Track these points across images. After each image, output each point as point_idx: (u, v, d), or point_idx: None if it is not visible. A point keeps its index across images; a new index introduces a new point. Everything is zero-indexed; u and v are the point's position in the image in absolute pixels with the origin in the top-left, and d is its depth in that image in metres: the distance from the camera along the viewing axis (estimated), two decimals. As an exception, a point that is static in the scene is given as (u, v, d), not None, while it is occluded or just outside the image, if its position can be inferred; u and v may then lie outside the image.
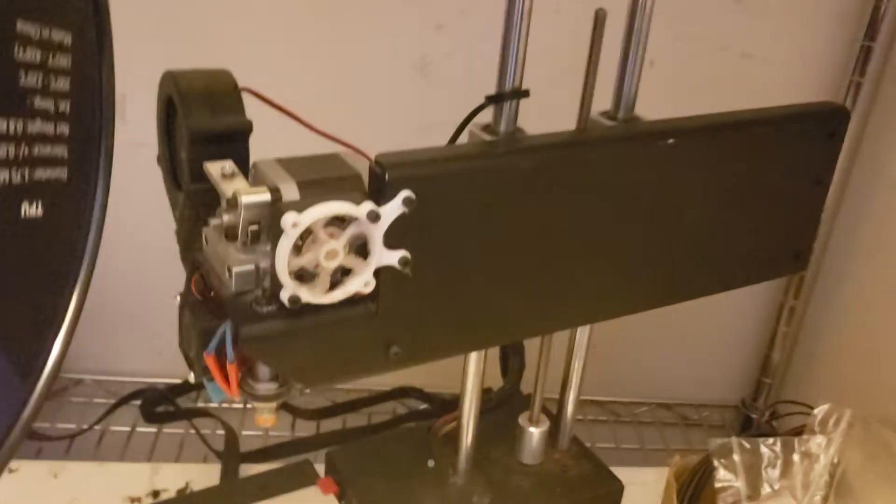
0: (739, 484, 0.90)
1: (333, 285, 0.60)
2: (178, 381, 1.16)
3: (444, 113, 0.72)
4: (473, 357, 0.79)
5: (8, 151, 0.44)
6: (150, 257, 1.11)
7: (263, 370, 0.63)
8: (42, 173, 0.47)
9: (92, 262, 0.52)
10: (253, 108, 0.69)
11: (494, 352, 0.95)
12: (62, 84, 0.48)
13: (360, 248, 0.60)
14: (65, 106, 0.49)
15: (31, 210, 0.47)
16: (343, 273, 0.60)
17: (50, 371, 0.50)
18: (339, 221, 0.58)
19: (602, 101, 0.73)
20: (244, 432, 1.13)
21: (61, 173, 0.49)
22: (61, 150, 0.49)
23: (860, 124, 1.10)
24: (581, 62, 0.70)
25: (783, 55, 1.12)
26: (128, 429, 1.14)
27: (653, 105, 0.74)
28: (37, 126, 0.46)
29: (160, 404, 1.12)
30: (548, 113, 0.68)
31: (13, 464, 0.99)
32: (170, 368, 1.19)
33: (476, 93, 0.68)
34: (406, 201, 0.59)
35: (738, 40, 1.10)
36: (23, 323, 0.49)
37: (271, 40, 1.06)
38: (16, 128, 0.44)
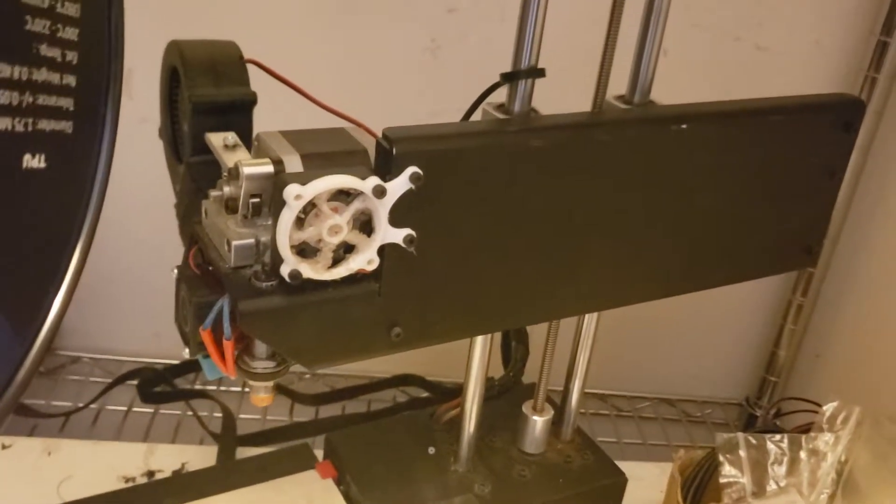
0: (745, 480, 0.89)
1: (336, 262, 0.58)
2: (175, 362, 1.15)
3: (455, 97, 0.71)
4: (479, 342, 0.77)
5: (11, 98, 0.43)
6: (151, 237, 1.11)
7: (260, 348, 0.62)
8: (46, 125, 0.46)
9: (95, 219, 0.52)
10: (257, 84, 0.68)
11: (497, 342, 0.94)
12: (70, 33, 0.47)
13: (365, 225, 0.59)
14: (72, 56, 0.48)
15: (33, 162, 0.46)
16: (346, 250, 0.59)
17: (48, 330, 0.48)
18: (344, 196, 0.57)
19: (616, 88, 0.72)
20: (241, 415, 1.13)
21: (66, 126, 0.48)
22: (67, 102, 0.48)
23: (874, 120, 1.09)
24: (592, 50, 0.69)
25: (798, 48, 1.10)
26: (124, 408, 1.13)
27: (665, 95, 0.73)
28: (42, 74, 0.45)
29: (157, 385, 1.11)
30: (561, 100, 0.67)
31: (6, 440, 0.98)
32: (168, 349, 1.19)
33: (487, 77, 0.67)
34: (413, 177, 0.58)
35: (753, 32, 1.09)
36: (21, 279, 0.48)
37: (279, 20, 1.04)
38: (20, 74, 0.43)
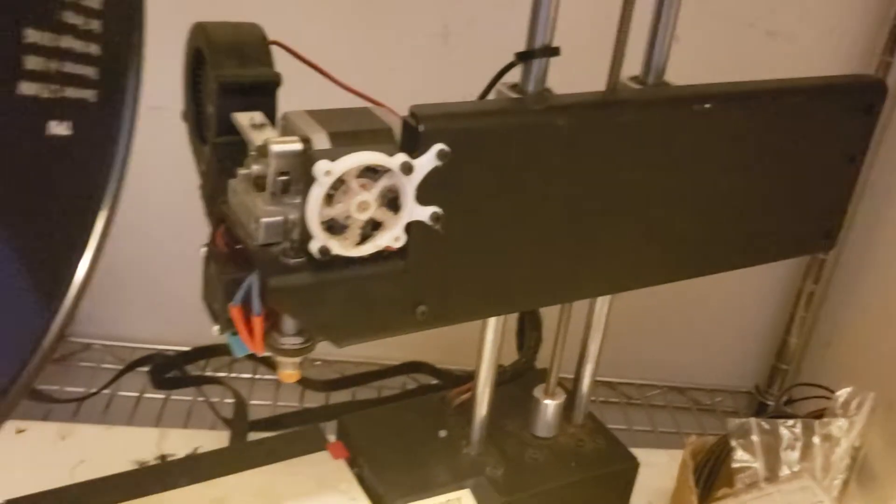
0: (757, 465, 0.89)
1: (363, 239, 0.59)
2: (187, 348, 1.15)
3: (467, 82, 0.71)
4: (491, 325, 0.77)
5: (38, 64, 0.43)
6: (163, 225, 1.10)
7: (288, 324, 0.62)
8: (71, 92, 0.46)
9: (119, 186, 0.52)
10: (280, 67, 0.68)
11: (510, 328, 0.94)
12: (93, 1, 0.47)
13: (392, 202, 0.59)
14: (95, 25, 0.48)
15: (58, 128, 0.46)
16: (373, 227, 0.59)
17: (74, 297, 0.49)
18: (372, 173, 0.57)
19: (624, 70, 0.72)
20: (253, 401, 1.13)
21: (90, 94, 0.49)
22: (91, 71, 0.48)
23: (889, 105, 1.08)
24: (601, 31, 0.69)
25: (811, 33, 1.10)
26: (136, 394, 1.12)
27: (677, 81, 0.73)
28: (67, 42, 0.45)
29: (169, 371, 1.11)
30: (571, 81, 0.67)
31: (21, 424, 0.98)
32: (179, 336, 1.18)
33: (497, 61, 0.67)
34: (440, 154, 0.58)
35: (765, 17, 1.09)
36: (48, 244, 0.48)
37: (285, 6, 1.04)
38: (47, 41, 0.43)
